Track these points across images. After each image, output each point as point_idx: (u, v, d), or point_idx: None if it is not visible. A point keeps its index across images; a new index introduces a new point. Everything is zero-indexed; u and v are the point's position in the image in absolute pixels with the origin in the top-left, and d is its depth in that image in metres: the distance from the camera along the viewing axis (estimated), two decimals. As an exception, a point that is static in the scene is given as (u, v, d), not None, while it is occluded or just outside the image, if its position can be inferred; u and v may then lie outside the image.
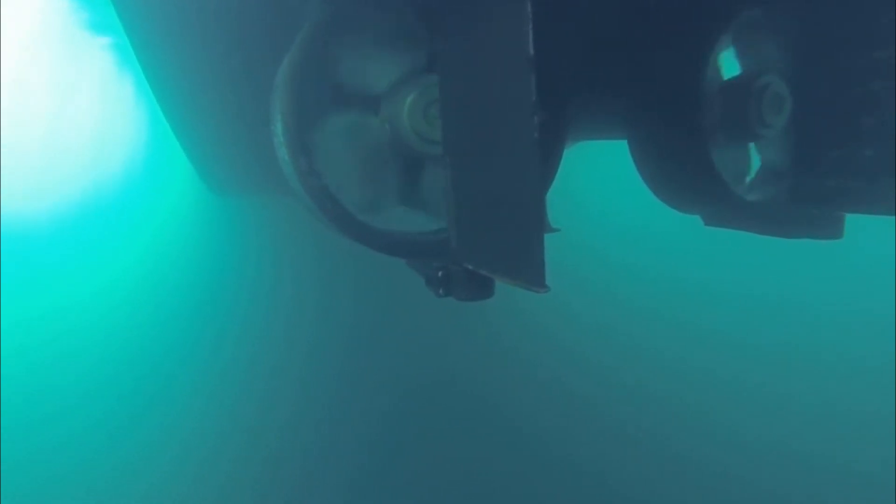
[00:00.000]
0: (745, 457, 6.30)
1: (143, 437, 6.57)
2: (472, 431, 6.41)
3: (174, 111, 4.68)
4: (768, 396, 7.40)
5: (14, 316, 9.31)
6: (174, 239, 11.55)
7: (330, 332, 7.86)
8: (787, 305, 9.78)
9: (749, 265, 10.47)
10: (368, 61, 2.52)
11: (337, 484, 5.71)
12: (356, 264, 7.39)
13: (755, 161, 3.46)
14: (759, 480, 5.96)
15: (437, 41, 2.28)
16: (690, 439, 6.57)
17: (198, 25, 3.49)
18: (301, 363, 7.49)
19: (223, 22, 3.39)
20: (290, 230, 7.51)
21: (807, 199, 3.14)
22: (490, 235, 2.02)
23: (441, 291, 2.28)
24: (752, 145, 3.39)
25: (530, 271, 1.71)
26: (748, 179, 3.36)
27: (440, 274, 2.29)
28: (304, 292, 8.34)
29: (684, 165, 3.15)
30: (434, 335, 7.68)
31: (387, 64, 2.54)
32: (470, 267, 2.16)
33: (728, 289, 10.41)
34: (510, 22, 1.70)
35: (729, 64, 3.38)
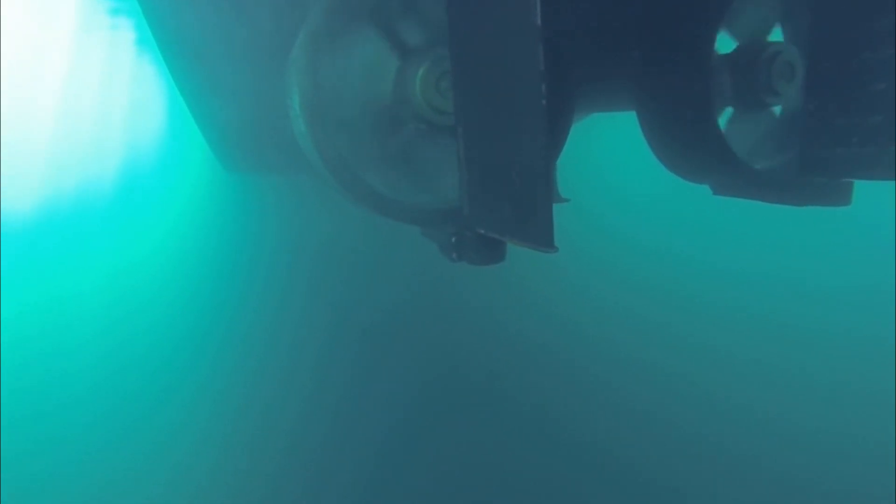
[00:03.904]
0: (765, 439, 6.27)
1: (155, 429, 6.54)
2: (487, 420, 6.45)
3: (190, 88, 4.77)
4: (788, 377, 7.35)
5: (28, 300, 9.43)
6: (188, 219, 11.67)
7: (345, 316, 7.94)
8: (798, 281, 9.70)
9: (763, 240, 10.36)
10: (382, 33, 2.59)
11: (350, 479, 5.78)
12: (371, 246, 7.50)
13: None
14: (779, 462, 5.96)
15: (447, 12, 2.33)
16: (704, 418, 6.58)
17: (212, 3, 3.56)
18: (316, 347, 7.56)
19: (237, 3, 3.46)
20: (303, 209, 7.61)
21: (815, 167, 3.16)
22: (501, 200, 2.10)
23: (455, 256, 2.38)
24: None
25: (539, 232, 1.80)
26: (757, 147, 3.38)
27: (453, 240, 2.38)
28: (318, 275, 8.42)
29: (693, 135, 3.18)
30: (447, 321, 7.76)
31: (400, 34, 2.60)
32: (482, 232, 2.25)
33: (741, 265, 10.34)
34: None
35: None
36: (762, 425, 6.43)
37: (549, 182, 1.79)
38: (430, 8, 2.61)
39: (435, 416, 6.49)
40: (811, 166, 3.22)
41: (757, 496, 5.53)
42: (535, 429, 6.34)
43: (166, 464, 5.85)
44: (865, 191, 3.16)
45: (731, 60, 3.15)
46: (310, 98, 2.54)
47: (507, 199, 2.03)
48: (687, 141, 3.23)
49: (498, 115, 2.10)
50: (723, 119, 3.27)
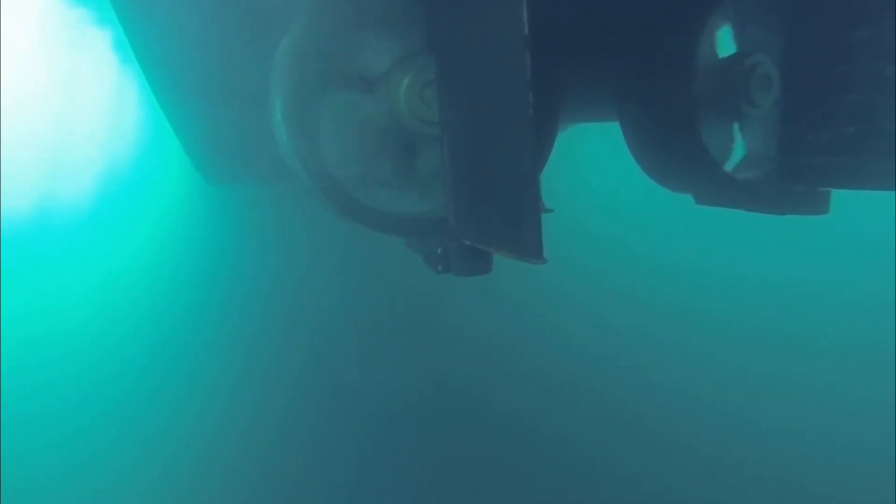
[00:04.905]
0: (749, 443, 6.26)
1: (140, 434, 6.51)
2: (472, 429, 6.39)
3: (167, 94, 4.68)
4: (773, 382, 7.36)
5: (10, 312, 9.19)
6: (168, 231, 11.45)
7: (329, 325, 7.85)
8: (786, 288, 9.79)
9: (749, 248, 10.45)
10: (368, 42, 2.56)
11: (335, 484, 5.71)
12: (355, 257, 7.43)
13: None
14: (766, 467, 5.95)
15: (433, 20, 2.32)
16: (691, 426, 6.56)
17: (191, 10, 3.49)
18: (299, 357, 7.47)
19: (217, 5, 3.40)
20: (286, 221, 7.52)
21: (794, 176, 3.22)
22: (488, 211, 2.08)
23: (440, 268, 2.35)
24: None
25: (527, 243, 1.77)
26: (737, 157, 3.43)
27: (439, 251, 2.35)
28: (302, 285, 8.33)
29: (675, 145, 3.22)
30: (433, 332, 7.71)
31: (385, 44, 2.58)
32: (468, 243, 2.22)
33: (726, 271, 10.43)
34: (505, 1, 1.75)
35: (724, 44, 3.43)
36: (753, 431, 6.44)
37: (538, 192, 1.77)
38: (415, 17, 2.60)
39: (420, 424, 6.43)
40: (790, 175, 3.28)
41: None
42: (521, 436, 6.30)
43: (144, 477, 5.77)
44: (857, 198, 3.19)
45: (712, 70, 3.20)
46: (292, 106, 2.50)
47: (494, 210, 2.01)
48: (670, 151, 3.27)
49: (484, 124, 2.08)
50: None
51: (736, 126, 3.48)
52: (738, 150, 3.55)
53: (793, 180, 3.25)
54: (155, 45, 3.79)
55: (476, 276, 2.27)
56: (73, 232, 12.81)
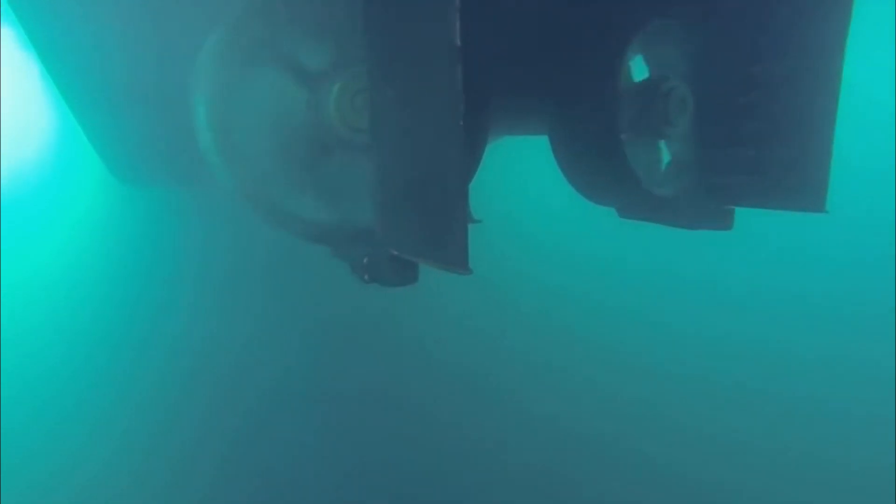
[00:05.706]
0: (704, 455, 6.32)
1: (55, 451, 5.99)
2: (408, 440, 6.26)
3: (76, 96, 4.33)
4: (720, 389, 7.56)
5: None
6: (78, 234, 10.59)
7: (252, 336, 7.51)
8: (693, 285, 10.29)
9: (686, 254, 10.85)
10: (300, 47, 2.48)
11: None
12: (281, 266, 7.16)
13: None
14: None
15: (367, 29, 2.29)
16: (647, 439, 6.59)
17: (95, 6, 3.25)
18: (221, 369, 7.09)
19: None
20: (208, 226, 7.15)
21: (704, 193, 3.46)
22: (415, 221, 2.06)
23: (366, 278, 2.30)
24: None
25: (454, 254, 1.77)
26: (657, 174, 3.64)
27: (365, 261, 2.31)
28: (224, 292, 7.93)
29: (600, 161, 3.37)
30: (359, 342, 7.54)
31: (319, 50, 2.51)
32: (395, 253, 2.19)
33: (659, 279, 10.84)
34: (438, 13, 1.76)
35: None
36: (693, 437, 6.61)
37: (465, 203, 1.78)
38: (336, 28, 2.55)
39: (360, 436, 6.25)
40: (701, 192, 3.53)
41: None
42: (456, 448, 6.25)
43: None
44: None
45: (634, 92, 3.39)
46: (217, 111, 2.37)
47: (422, 220, 1.99)
48: (595, 167, 3.41)
49: (414, 134, 2.07)
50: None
51: (657, 144, 3.71)
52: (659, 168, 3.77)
53: (703, 197, 3.49)
54: (57, 36, 3.49)
55: (402, 286, 2.25)
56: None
